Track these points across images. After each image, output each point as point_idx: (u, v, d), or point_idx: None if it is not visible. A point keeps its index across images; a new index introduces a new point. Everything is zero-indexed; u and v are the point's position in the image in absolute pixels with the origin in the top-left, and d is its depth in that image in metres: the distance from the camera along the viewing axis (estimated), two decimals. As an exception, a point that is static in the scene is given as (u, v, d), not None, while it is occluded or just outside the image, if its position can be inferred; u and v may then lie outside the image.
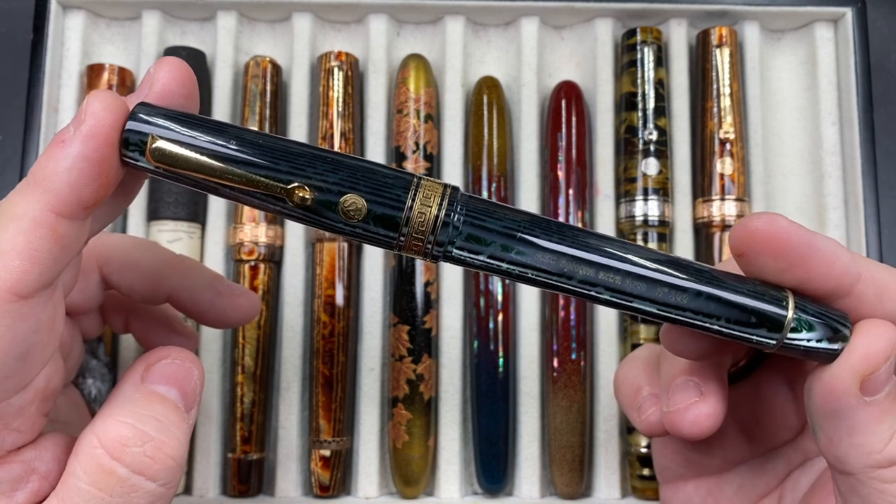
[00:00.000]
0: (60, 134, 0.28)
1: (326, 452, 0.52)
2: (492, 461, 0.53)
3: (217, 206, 0.55)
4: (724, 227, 0.53)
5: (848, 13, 0.56)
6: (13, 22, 0.56)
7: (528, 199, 0.55)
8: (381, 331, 0.54)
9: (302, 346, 0.54)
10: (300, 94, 0.56)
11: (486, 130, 0.55)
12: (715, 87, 0.55)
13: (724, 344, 0.33)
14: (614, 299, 0.30)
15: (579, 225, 0.54)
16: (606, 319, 0.54)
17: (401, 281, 0.53)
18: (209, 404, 0.53)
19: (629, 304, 0.30)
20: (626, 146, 0.55)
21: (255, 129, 0.53)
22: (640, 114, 0.55)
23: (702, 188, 0.55)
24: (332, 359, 0.52)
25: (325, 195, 0.29)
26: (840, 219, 0.55)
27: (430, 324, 0.53)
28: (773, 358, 0.38)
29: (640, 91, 0.55)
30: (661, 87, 0.55)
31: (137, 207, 0.54)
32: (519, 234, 0.30)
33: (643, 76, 0.55)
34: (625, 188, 0.54)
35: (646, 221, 0.53)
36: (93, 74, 0.56)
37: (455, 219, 0.29)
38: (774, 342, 0.30)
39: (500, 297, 0.54)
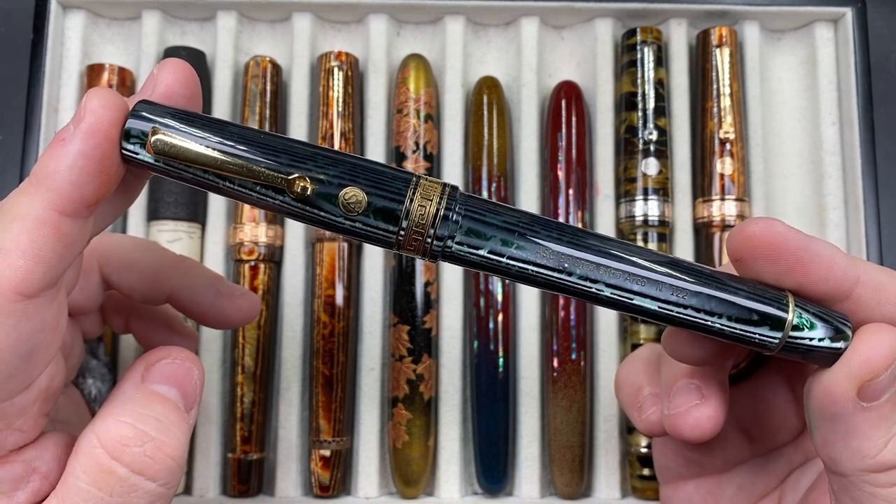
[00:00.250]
0: (61, 132, 0.28)
1: (326, 452, 0.52)
2: (492, 461, 0.53)
3: (217, 206, 0.55)
4: (724, 227, 0.53)
5: (848, 13, 0.56)
6: (13, 22, 0.56)
7: (528, 199, 0.55)
8: (381, 331, 0.54)
9: (302, 346, 0.54)
10: (300, 94, 0.56)
11: (486, 130, 0.55)
12: (715, 87, 0.55)
13: (726, 349, 0.33)
14: (615, 296, 0.30)
15: (579, 226, 0.54)
16: (606, 319, 0.54)
17: (401, 281, 0.53)
18: (209, 404, 0.53)
19: (630, 301, 0.30)
20: (626, 146, 0.55)
21: (257, 128, 0.53)
22: (640, 114, 0.55)
23: (702, 188, 0.55)
24: (332, 359, 0.52)
25: (326, 187, 0.29)
26: (840, 219, 0.55)
27: (430, 324, 0.53)
28: (774, 359, 0.38)
29: (640, 91, 0.55)
30: (661, 87, 0.55)
31: (137, 207, 0.54)
32: (519, 229, 0.30)
33: (643, 76, 0.55)
34: (625, 188, 0.54)
35: (646, 221, 0.53)
36: (93, 74, 0.56)
37: (455, 214, 0.29)
38: (777, 340, 0.30)
39: (500, 297, 0.54)
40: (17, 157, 0.54)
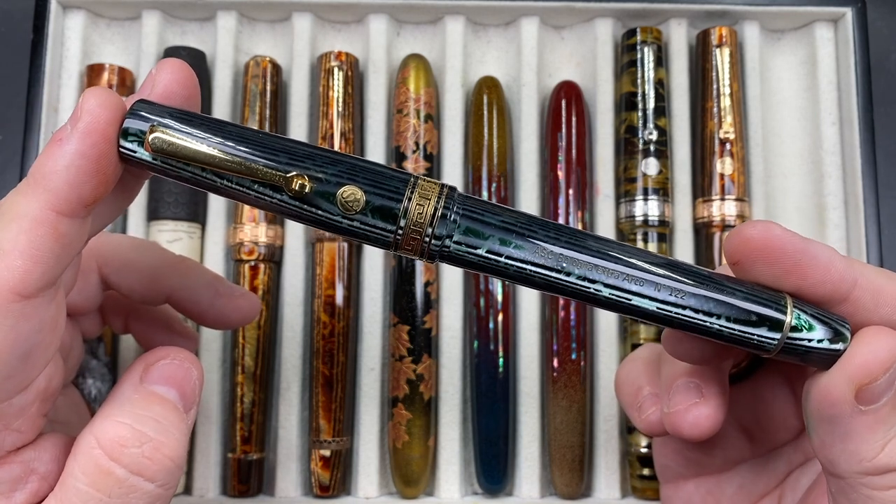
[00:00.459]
0: (58, 132, 0.28)
1: (326, 452, 0.52)
2: (492, 461, 0.53)
3: (217, 206, 0.55)
4: (724, 227, 0.53)
5: (848, 13, 0.56)
6: (13, 22, 0.56)
7: (528, 199, 0.55)
8: (381, 331, 0.54)
9: (302, 346, 0.54)
10: (300, 94, 0.56)
11: (486, 130, 0.55)
12: (715, 87, 0.55)
13: (725, 349, 0.33)
14: (613, 297, 0.30)
15: (579, 225, 0.54)
16: (606, 319, 0.54)
17: (401, 281, 0.53)
18: (209, 404, 0.53)
19: (628, 302, 0.30)
20: (626, 146, 0.55)
21: (255, 128, 0.53)
22: (640, 114, 0.55)
23: (702, 188, 0.55)
24: (332, 359, 0.52)
25: (324, 185, 0.29)
26: (840, 219, 0.55)
27: (430, 324, 0.53)
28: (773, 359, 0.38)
29: (640, 91, 0.55)
30: (661, 87, 0.55)
31: (137, 207, 0.54)
32: (517, 229, 0.30)
33: (643, 76, 0.55)
34: (625, 188, 0.54)
35: (646, 221, 0.53)
36: (93, 74, 0.56)
37: (453, 214, 0.29)
38: (776, 342, 0.30)
39: (500, 297, 0.54)
40: (17, 157, 0.54)
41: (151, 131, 0.28)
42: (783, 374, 0.38)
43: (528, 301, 0.54)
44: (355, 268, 0.54)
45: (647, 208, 0.54)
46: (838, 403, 0.30)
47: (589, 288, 0.30)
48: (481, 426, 0.53)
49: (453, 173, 0.55)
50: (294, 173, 0.29)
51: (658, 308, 0.30)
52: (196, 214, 0.54)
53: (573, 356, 0.53)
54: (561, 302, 0.53)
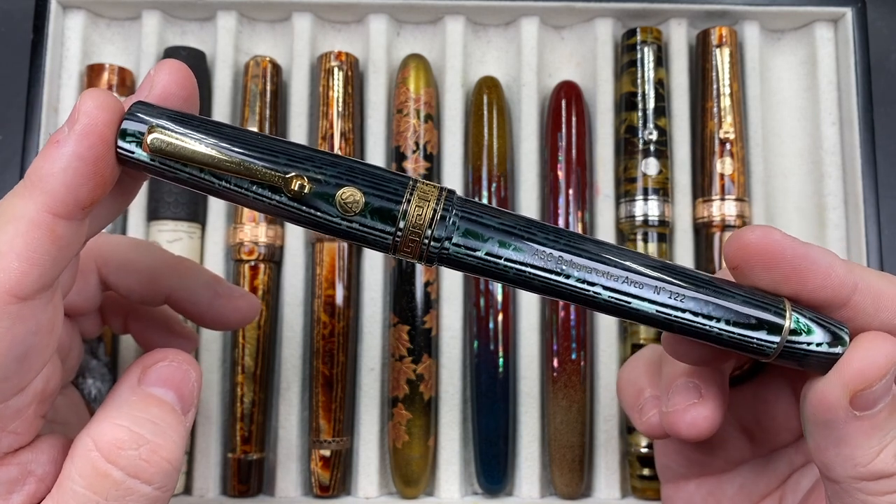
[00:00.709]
0: (55, 134, 0.28)
1: (326, 452, 0.52)
2: (492, 461, 0.53)
3: (217, 206, 0.55)
4: (725, 227, 0.53)
5: (848, 13, 0.56)
6: (13, 22, 0.56)
7: (528, 199, 0.55)
8: (381, 331, 0.54)
9: (302, 346, 0.54)
10: (300, 94, 0.56)
11: (486, 130, 0.55)
12: (715, 87, 0.55)
13: (724, 353, 0.33)
14: (613, 300, 0.30)
15: (580, 225, 0.54)
16: (606, 319, 0.54)
17: (401, 281, 0.53)
18: (209, 404, 0.53)
19: (628, 305, 0.30)
20: (626, 146, 0.55)
21: (255, 129, 0.53)
22: (640, 114, 0.55)
23: (702, 188, 0.55)
24: (332, 359, 0.52)
25: (323, 187, 0.29)
26: (840, 219, 0.55)
27: (430, 324, 0.53)
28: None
29: (640, 91, 0.55)
30: (661, 87, 0.55)
31: (137, 207, 0.54)
32: (516, 231, 0.30)
33: (643, 76, 0.55)
34: (625, 188, 0.54)
35: (646, 221, 0.53)
36: (93, 74, 0.56)
37: (452, 216, 0.29)
38: (775, 345, 0.30)
39: (500, 298, 0.54)
40: (17, 157, 0.54)
41: (150, 132, 0.28)
42: (785, 376, 0.38)
43: (528, 301, 0.54)
44: (355, 268, 0.54)
45: (647, 208, 0.53)
46: (833, 409, 0.30)
47: (588, 291, 0.30)
48: (481, 426, 0.53)
49: (453, 173, 0.55)
50: (293, 174, 0.29)
51: (657, 311, 0.30)
52: (196, 214, 0.54)
53: (573, 356, 0.53)
54: (561, 302, 0.53)
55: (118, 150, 0.29)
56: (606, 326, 0.54)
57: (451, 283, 0.54)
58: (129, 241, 0.41)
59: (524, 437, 0.53)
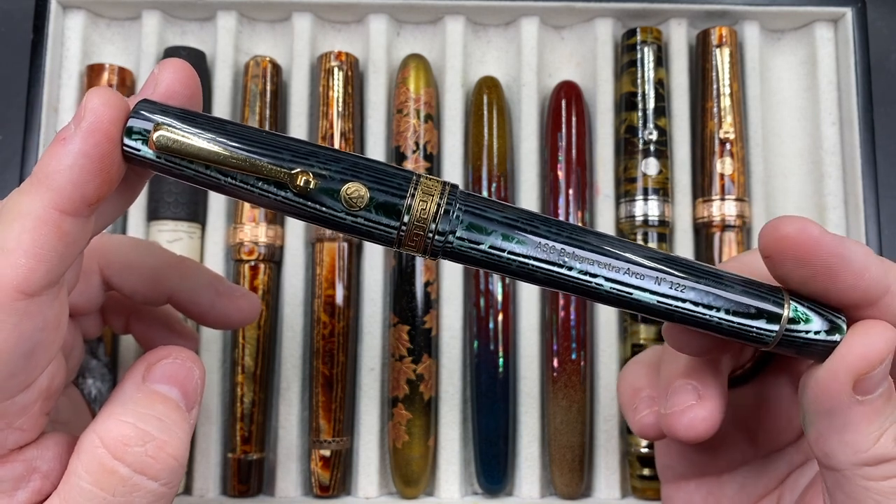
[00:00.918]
0: (62, 132, 0.28)
1: (326, 452, 0.52)
2: (492, 461, 0.53)
3: (217, 206, 0.55)
4: (724, 227, 0.54)
5: (848, 13, 0.56)
6: (13, 22, 0.56)
7: (528, 199, 0.55)
8: (381, 331, 0.54)
9: (302, 346, 0.54)
10: (300, 94, 0.56)
11: (486, 130, 0.55)
12: (715, 87, 0.55)
13: (725, 342, 0.33)
14: (614, 290, 0.30)
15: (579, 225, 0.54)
16: (606, 319, 0.54)
17: (401, 281, 0.53)
18: (209, 404, 0.53)
19: (630, 296, 0.30)
20: (626, 146, 0.55)
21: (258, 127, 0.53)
22: (640, 114, 0.55)
23: (702, 188, 0.55)
24: (332, 359, 0.52)
25: (328, 182, 0.29)
26: (840, 219, 0.55)
27: (430, 324, 0.53)
28: (777, 360, 0.38)
29: (640, 91, 0.55)
30: (661, 87, 0.55)
31: (137, 207, 0.54)
32: (519, 224, 0.30)
33: (643, 76, 0.55)
34: (625, 188, 0.54)
35: (646, 221, 0.53)
36: (93, 74, 0.56)
37: (455, 210, 0.30)
38: (774, 334, 0.30)
39: (500, 297, 0.54)
40: (17, 157, 0.54)
41: (156, 129, 0.29)
42: (787, 377, 0.38)
43: (528, 301, 0.54)
44: (355, 268, 0.54)
45: (647, 208, 0.54)
46: (837, 394, 0.30)
47: (590, 282, 0.30)
48: (481, 426, 0.53)
49: (453, 173, 0.55)
50: (299, 170, 0.29)
51: (658, 301, 0.30)
52: (196, 214, 0.54)
53: (573, 356, 0.53)
54: (561, 302, 0.53)
55: (124, 147, 0.29)
56: (606, 326, 0.54)
57: (451, 282, 0.54)
58: (132, 242, 0.41)
59: (524, 437, 0.53)
